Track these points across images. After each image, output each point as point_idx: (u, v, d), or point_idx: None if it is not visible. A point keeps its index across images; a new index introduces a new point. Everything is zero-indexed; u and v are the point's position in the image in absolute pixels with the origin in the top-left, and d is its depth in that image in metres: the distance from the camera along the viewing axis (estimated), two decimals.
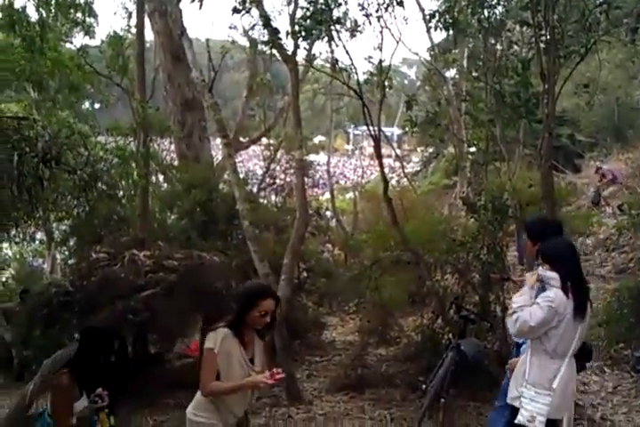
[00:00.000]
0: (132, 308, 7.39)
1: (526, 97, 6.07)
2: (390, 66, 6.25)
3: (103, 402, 3.77)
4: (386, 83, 6.91)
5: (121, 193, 8.29)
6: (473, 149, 12.37)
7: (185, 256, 7.83)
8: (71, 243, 10.14)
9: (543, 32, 5.30)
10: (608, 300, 7.58)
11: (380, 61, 6.18)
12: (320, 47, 17.64)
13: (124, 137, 11.73)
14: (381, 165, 6.44)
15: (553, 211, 5.49)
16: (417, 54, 15.13)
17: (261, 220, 9.35)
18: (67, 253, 10.17)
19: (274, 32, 5.95)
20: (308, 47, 11.47)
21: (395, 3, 6.14)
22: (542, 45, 5.33)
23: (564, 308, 3.56)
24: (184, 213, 9.62)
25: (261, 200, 11.71)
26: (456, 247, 6.84)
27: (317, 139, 36.78)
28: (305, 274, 9.86)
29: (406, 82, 41.56)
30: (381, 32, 6.26)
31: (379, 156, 6.36)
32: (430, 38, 16.95)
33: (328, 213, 19.53)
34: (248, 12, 6.06)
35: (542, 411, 3.54)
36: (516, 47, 6.54)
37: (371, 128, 6.44)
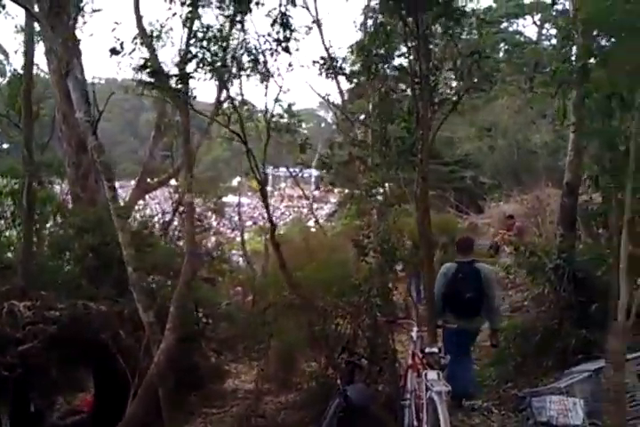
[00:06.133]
0: (7, 364, 6.89)
1: (410, 142, 6.23)
2: (268, 109, 6.29)
3: None
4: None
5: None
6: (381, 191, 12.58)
7: (69, 306, 7.43)
8: None
9: (418, 80, 5.49)
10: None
11: (266, 106, 6.23)
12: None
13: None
14: (267, 207, 6.40)
15: (430, 252, 5.59)
16: (325, 99, 15.37)
17: (159, 264, 9.07)
18: None
19: (154, 74, 5.87)
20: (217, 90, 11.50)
21: (280, 49, 6.22)
22: (417, 92, 5.52)
23: None
24: (75, 259, 9.17)
25: (164, 244, 11.38)
26: (349, 290, 6.81)
27: (236, 180, 36.64)
28: (205, 320, 9.56)
29: (323, 125, 42.44)
30: (267, 77, 6.31)
31: (264, 198, 6.34)
32: (338, 83, 17.36)
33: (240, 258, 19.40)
34: (130, 53, 5.96)
35: None
36: (395, 94, 6.71)
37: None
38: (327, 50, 13.90)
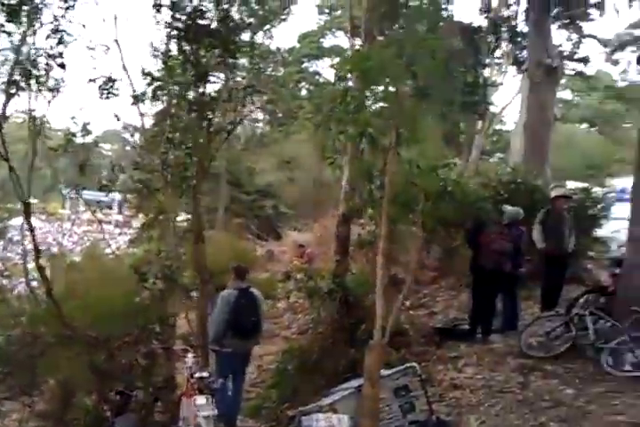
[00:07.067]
0: None
1: (192, 167, 6.29)
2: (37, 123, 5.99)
3: None
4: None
5: None
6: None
7: None
8: None
9: (195, 108, 5.62)
10: (278, 361, 8.00)
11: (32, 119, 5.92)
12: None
13: None
14: (32, 230, 6.05)
15: (204, 277, 5.67)
16: (118, 120, 14.82)
17: None
18: None
19: None
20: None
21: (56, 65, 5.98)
22: (195, 120, 5.64)
23: None
24: None
25: None
26: (127, 319, 6.61)
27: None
28: None
29: (128, 148, 40.78)
30: (41, 90, 6.03)
31: (28, 219, 5.97)
32: (138, 107, 16.90)
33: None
34: None
35: None
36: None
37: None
38: (126, 70, 13.59)
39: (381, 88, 6.00)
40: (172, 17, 6.42)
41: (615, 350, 6.66)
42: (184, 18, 6.20)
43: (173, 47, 6.78)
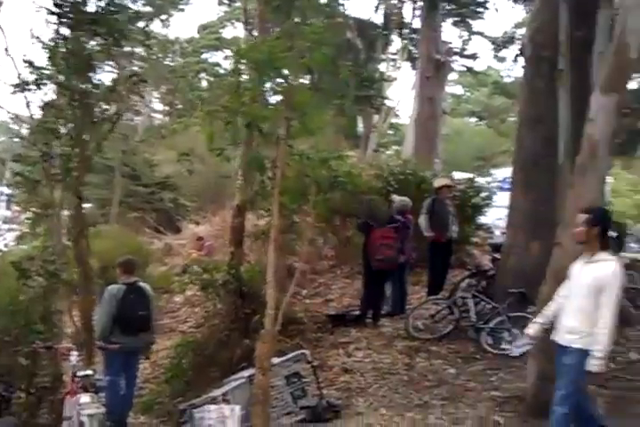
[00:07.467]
0: None
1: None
2: None
3: None
4: None
5: None
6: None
7: None
8: None
9: (77, 97, 5.43)
10: (172, 356, 7.91)
11: None
12: None
13: None
14: None
15: (87, 274, 5.52)
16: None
17: None
18: None
19: None
20: None
21: None
22: (77, 110, 5.45)
23: None
24: None
25: None
26: (5, 319, 6.31)
27: None
28: None
29: (17, 140, 38.44)
30: None
31: None
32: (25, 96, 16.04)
33: None
34: None
35: None
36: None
37: None
38: (11, 57, 12.85)
39: (277, 80, 6.05)
40: (53, 2, 6.13)
41: (494, 330, 7.13)
42: (65, 3, 5.93)
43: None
